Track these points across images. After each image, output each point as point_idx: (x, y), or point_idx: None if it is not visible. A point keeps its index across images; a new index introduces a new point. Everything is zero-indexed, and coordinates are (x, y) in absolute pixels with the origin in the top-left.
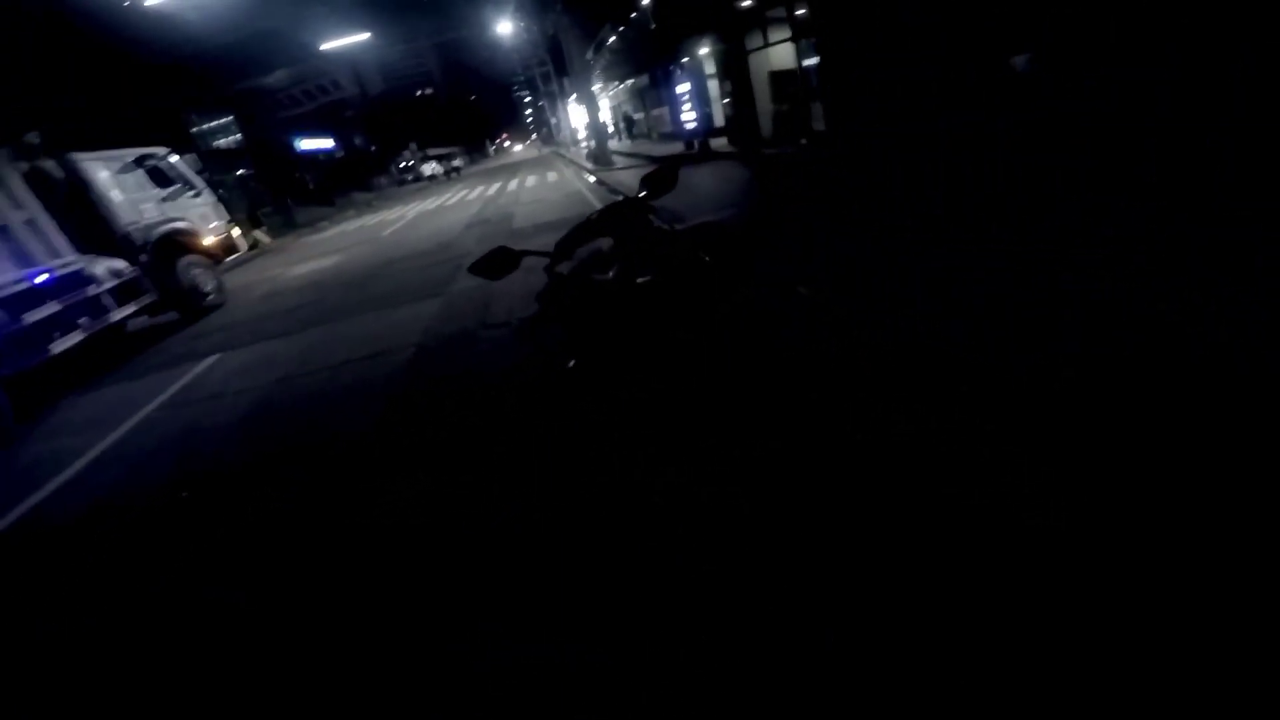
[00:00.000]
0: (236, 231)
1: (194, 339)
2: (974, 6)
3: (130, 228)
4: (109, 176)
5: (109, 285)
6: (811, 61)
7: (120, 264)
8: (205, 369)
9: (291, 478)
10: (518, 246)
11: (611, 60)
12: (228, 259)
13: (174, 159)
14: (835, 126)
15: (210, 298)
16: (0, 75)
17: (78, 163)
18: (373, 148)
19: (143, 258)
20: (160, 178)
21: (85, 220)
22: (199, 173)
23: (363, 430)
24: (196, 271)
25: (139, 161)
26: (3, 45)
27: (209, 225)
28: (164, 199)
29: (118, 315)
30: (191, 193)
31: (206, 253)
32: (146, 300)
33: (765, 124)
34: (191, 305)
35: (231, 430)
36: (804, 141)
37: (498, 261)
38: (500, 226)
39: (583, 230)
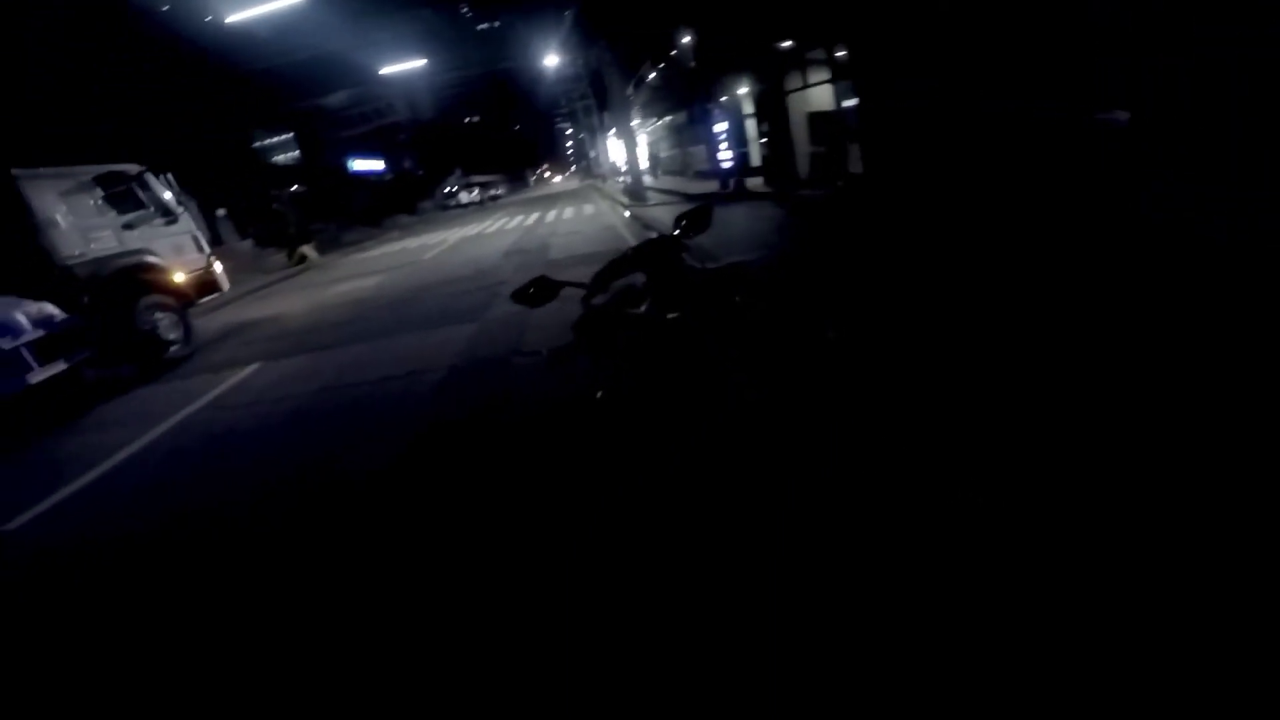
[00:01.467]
0: (219, 267)
1: (241, 345)
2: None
3: (73, 261)
4: (54, 199)
5: (27, 338)
6: (850, 103)
7: (49, 309)
8: (249, 374)
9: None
10: (556, 277)
11: (651, 96)
12: (203, 299)
13: (151, 178)
14: (872, 169)
15: (175, 348)
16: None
17: (17, 181)
18: (420, 172)
19: (85, 298)
20: (126, 200)
21: (20, 251)
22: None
23: (391, 453)
24: (159, 315)
25: (101, 181)
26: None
27: (182, 258)
28: (126, 226)
29: (38, 377)
30: (164, 219)
31: (176, 292)
32: (81, 356)
33: (802, 165)
34: (149, 357)
35: (271, 434)
36: (840, 184)
37: (538, 290)
38: (537, 256)
39: (619, 264)
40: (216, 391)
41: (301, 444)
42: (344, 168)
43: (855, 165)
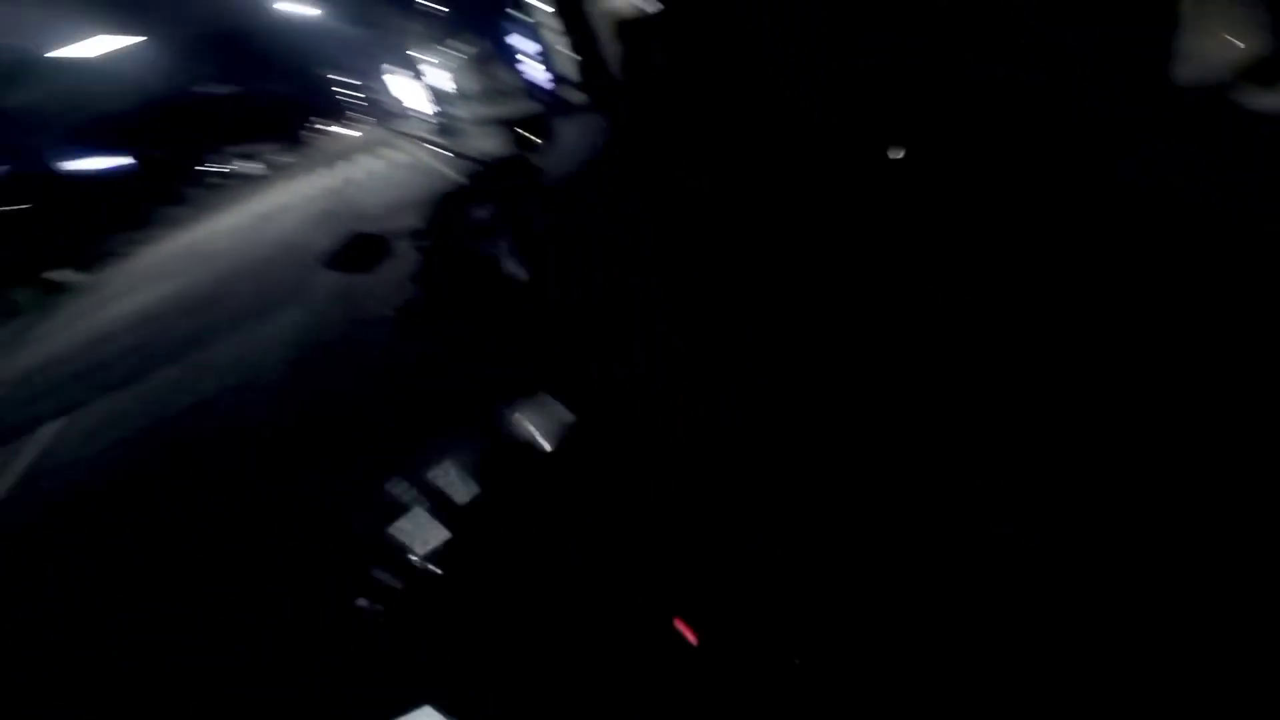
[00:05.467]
0: None
1: (15, 405)
2: None
3: None
4: None
5: None
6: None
7: None
8: (52, 438)
9: None
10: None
11: (441, 28)
12: None
13: None
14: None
15: None
16: None
17: None
18: (171, 156)
19: None
20: None
21: None
22: None
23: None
24: None
25: None
26: None
27: None
28: None
29: None
30: None
31: None
32: None
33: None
34: None
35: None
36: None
37: (360, 249)
38: (355, 216)
39: (456, 198)
40: (21, 465)
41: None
42: (68, 173)
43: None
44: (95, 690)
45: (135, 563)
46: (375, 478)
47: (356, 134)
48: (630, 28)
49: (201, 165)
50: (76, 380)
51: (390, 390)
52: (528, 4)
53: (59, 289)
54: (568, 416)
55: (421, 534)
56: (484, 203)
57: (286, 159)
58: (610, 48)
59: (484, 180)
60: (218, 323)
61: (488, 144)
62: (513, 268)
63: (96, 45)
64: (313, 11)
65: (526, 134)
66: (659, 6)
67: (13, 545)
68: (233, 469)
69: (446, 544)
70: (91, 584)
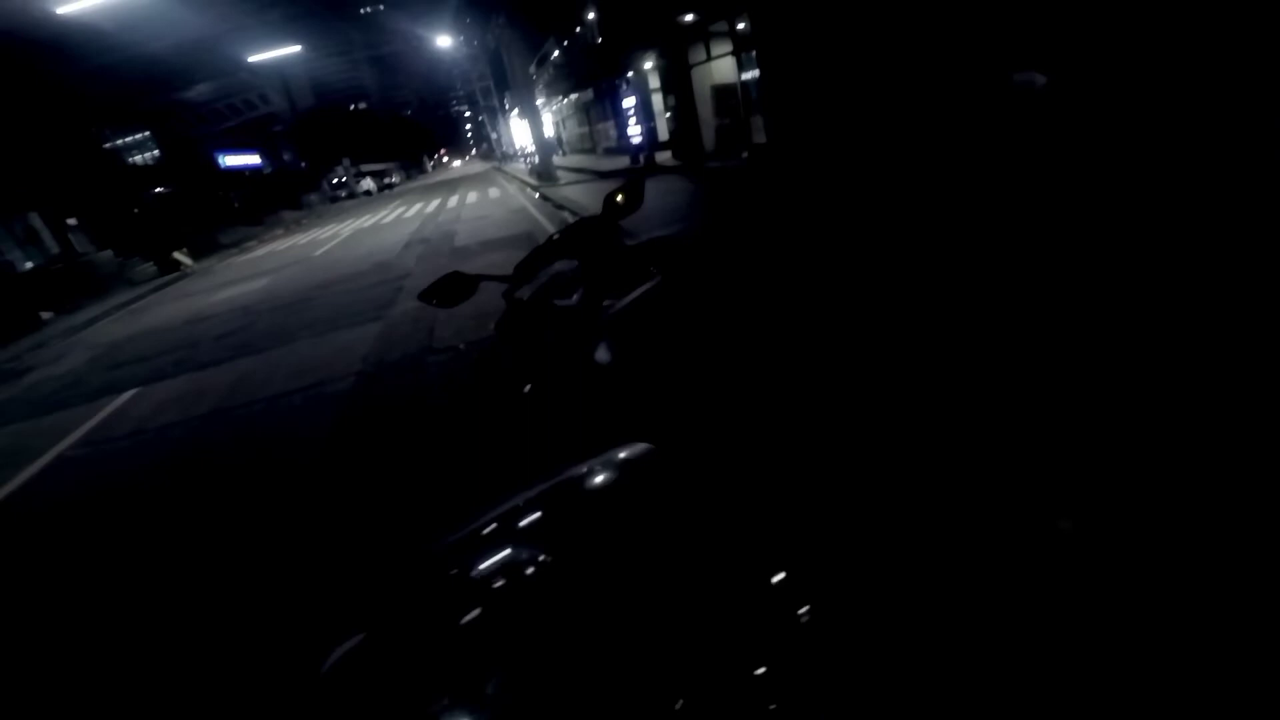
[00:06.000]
0: None
1: (106, 369)
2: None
3: None
4: None
5: None
6: (752, 75)
7: None
8: (125, 403)
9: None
10: (464, 267)
11: (555, 74)
12: None
13: None
14: (776, 139)
15: None
16: None
17: None
18: (303, 164)
19: None
20: None
21: None
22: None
23: (304, 467)
24: None
25: None
26: None
27: None
28: None
29: None
30: None
31: None
32: None
33: (708, 137)
34: None
35: (155, 478)
36: (745, 154)
37: (451, 287)
38: (442, 245)
39: (545, 251)
40: (90, 425)
41: (200, 476)
42: (215, 165)
43: (759, 135)
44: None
45: (158, 541)
46: (422, 499)
47: (470, 167)
48: (723, 93)
49: (327, 176)
50: (163, 355)
51: (444, 419)
52: (639, 68)
53: (176, 268)
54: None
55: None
56: (569, 257)
57: (400, 180)
58: (706, 115)
59: (574, 236)
60: (302, 325)
61: (585, 198)
62: (582, 329)
63: (271, 53)
64: (460, 49)
65: (620, 198)
66: (755, 74)
67: (60, 500)
68: (283, 461)
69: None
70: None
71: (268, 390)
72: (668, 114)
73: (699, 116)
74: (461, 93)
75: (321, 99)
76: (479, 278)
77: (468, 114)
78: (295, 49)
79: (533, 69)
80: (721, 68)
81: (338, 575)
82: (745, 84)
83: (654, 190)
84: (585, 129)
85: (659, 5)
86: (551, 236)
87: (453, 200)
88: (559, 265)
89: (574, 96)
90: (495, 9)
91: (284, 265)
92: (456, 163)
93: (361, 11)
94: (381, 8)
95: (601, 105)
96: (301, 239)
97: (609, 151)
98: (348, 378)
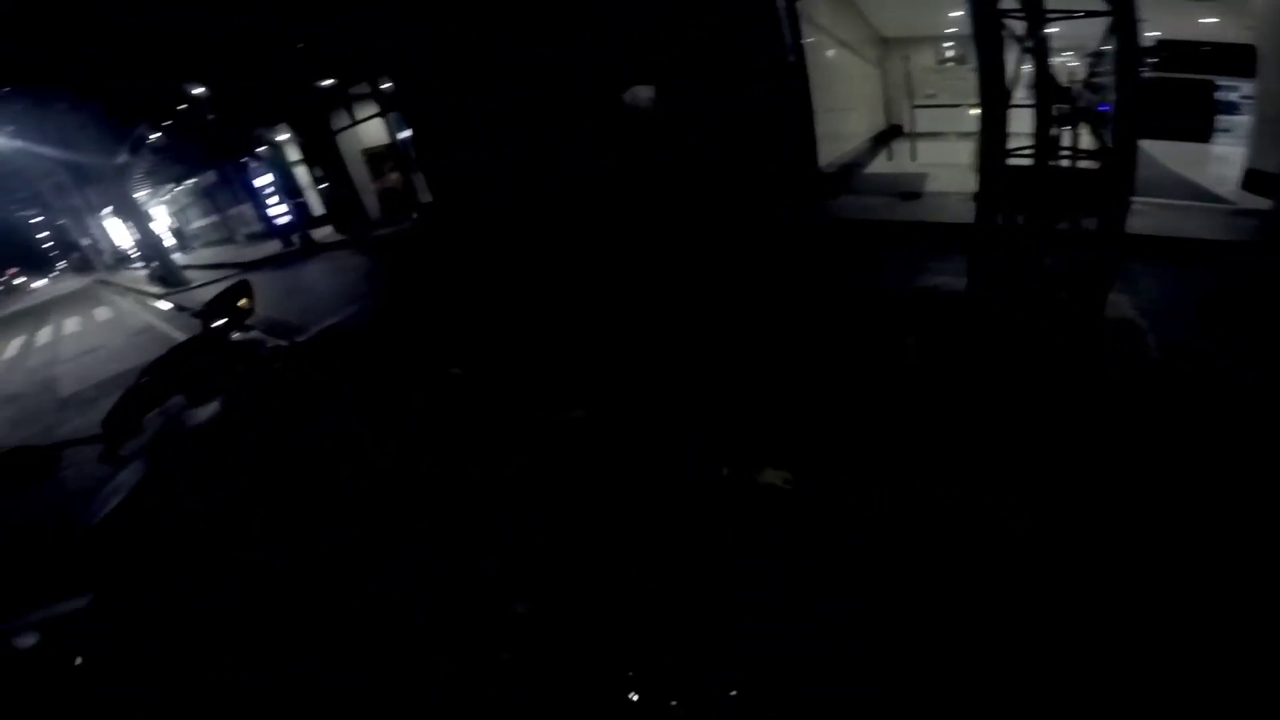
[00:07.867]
0: None
1: None
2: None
3: None
4: None
5: None
6: (406, 134)
7: None
8: None
9: None
10: (82, 421)
11: (160, 160)
12: None
13: None
14: (441, 196)
15: None
16: None
17: None
18: None
19: None
20: None
21: None
22: None
23: None
24: None
25: None
26: None
27: None
28: None
29: None
30: None
31: None
32: None
33: (370, 204)
34: None
35: None
36: (415, 215)
37: (12, 469)
38: (43, 400)
39: (136, 396)
40: None
41: None
42: None
43: (425, 194)
44: None
45: None
46: None
47: (61, 285)
48: (377, 155)
49: None
50: None
51: None
52: (271, 141)
53: None
54: None
55: None
56: (190, 385)
57: None
58: (360, 178)
59: (169, 366)
60: None
61: (214, 292)
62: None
63: None
64: (13, 143)
65: (218, 307)
66: (409, 134)
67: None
68: None
69: None
70: None
71: None
72: (319, 186)
73: (355, 183)
74: (22, 195)
75: None
76: (59, 445)
77: (38, 219)
78: None
79: (124, 158)
80: (370, 130)
81: None
82: (401, 144)
83: (320, 272)
84: (215, 217)
85: (286, 72)
86: (138, 379)
87: (43, 334)
88: (172, 403)
89: (191, 182)
90: (52, 96)
91: None
92: (38, 283)
93: None
94: None
95: (230, 188)
96: None
97: (253, 237)
98: None
